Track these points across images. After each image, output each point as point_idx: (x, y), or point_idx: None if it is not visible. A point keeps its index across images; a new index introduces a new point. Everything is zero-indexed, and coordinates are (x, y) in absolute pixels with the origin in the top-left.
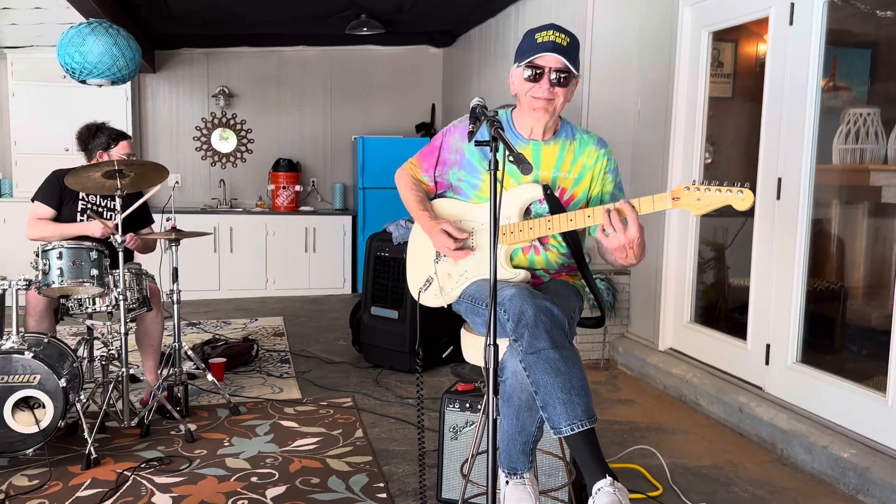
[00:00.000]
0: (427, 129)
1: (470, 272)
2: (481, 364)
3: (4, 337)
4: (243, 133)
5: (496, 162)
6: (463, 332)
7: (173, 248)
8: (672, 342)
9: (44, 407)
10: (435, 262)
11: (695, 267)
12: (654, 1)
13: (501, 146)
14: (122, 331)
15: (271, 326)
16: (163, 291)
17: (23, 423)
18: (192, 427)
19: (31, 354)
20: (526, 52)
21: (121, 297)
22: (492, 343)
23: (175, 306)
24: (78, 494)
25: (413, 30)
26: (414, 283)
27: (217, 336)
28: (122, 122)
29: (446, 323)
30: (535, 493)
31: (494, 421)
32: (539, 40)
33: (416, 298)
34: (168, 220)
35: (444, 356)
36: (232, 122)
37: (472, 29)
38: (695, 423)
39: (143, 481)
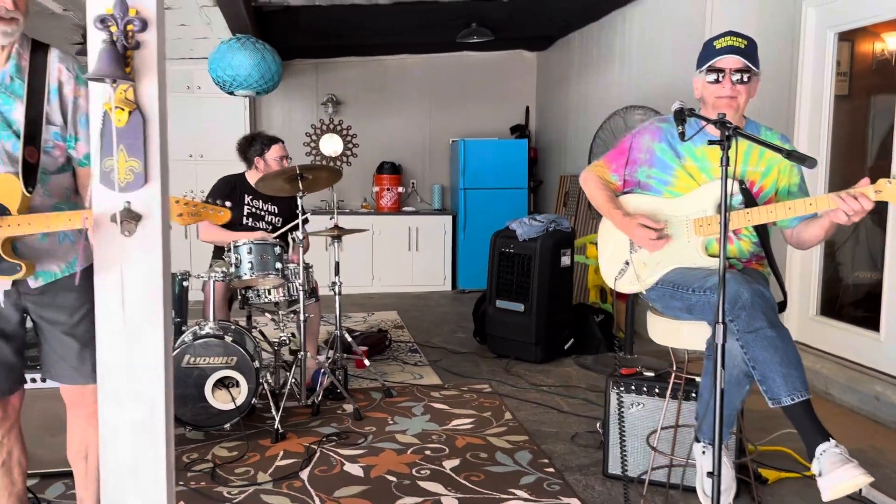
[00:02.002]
0: (521, 131)
1: (665, 261)
2: (673, 345)
3: (202, 324)
4: (349, 138)
5: (727, 159)
6: (650, 315)
7: (336, 244)
8: (797, 335)
9: (239, 386)
10: (630, 251)
11: (821, 260)
12: (773, 1)
13: (689, 138)
14: (302, 318)
15: (389, 320)
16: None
17: (221, 401)
18: (353, 407)
19: (231, 338)
20: (706, 58)
21: (301, 288)
22: (721, 321)
23: (337, 297)
24: (277, 463)
25: (517, 35)
26: (608, 273)
27: (346, 328)
28: (241, 129)
29: (566, 316)
30: (731, 462)
31: (722, 391)
32: (718, 46)
33: (611, 286)
34: (307, 221)
35: (565, 347)
36: (339, 127)
37: (573, 33)
38: (828, 412)
39: (330, 453)
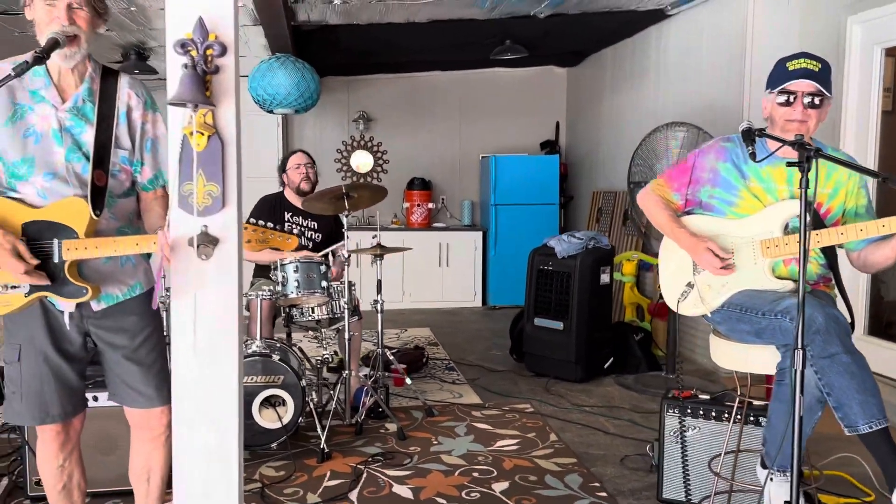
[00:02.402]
0: (552, 147)
1: (731, 284)
2: (739, 369)
3: (248, 342)
4: (379, 154)
5: (807, 181)
6: (713, 339)
7: (378, 262)
8: None
9: (285, 405)
10: (694, 273)
11: (868, 279)
12: (815, 16)
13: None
14: (347, 336)
15: (423, 336)
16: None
17: (267, 420)
18: (396, 427)
19: (278, 357)
20: (778, 80)
21: (347, 306)
22: (800, 347)
23: (379, 315)
24: (325, 484)
25: (549, 52)
26: (670, 294)
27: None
28: (274, 146)
29: (606, 335)
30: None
31: (801, 418)
32: (791, 68)
33: (673, 308)
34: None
35: (605, 366)
36: (369, 144)
37: (605, 49)
38: None
39: (377, 474)
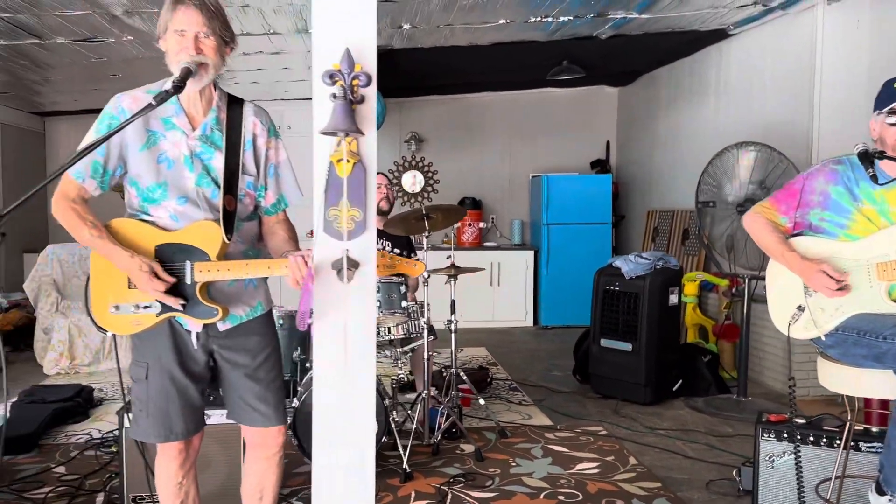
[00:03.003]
0: (602, 166)
1: (845, 307)
2: (851, 393)
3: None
4: (430, 174)
5: None
6: (821, 362)
7: (452, 282)
8: None
9: None
10: (805, 296)
11: None
12: (886, 36)
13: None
14: (426, 356)
15: (480, 356)
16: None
17: None
18: (472, 448)
19: None
20: (888, 100)
21: (426, 326)
22: None
23: (452, 335)
24: None
25: (606, 72)
26: (780, 318)
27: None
28: None
29: (674, 356)
30: None
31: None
32: None
33: (783, 331)
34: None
35: (674, 389)
36: (420, 164)
37: (659, 68)
38: None
39: (462, 495)
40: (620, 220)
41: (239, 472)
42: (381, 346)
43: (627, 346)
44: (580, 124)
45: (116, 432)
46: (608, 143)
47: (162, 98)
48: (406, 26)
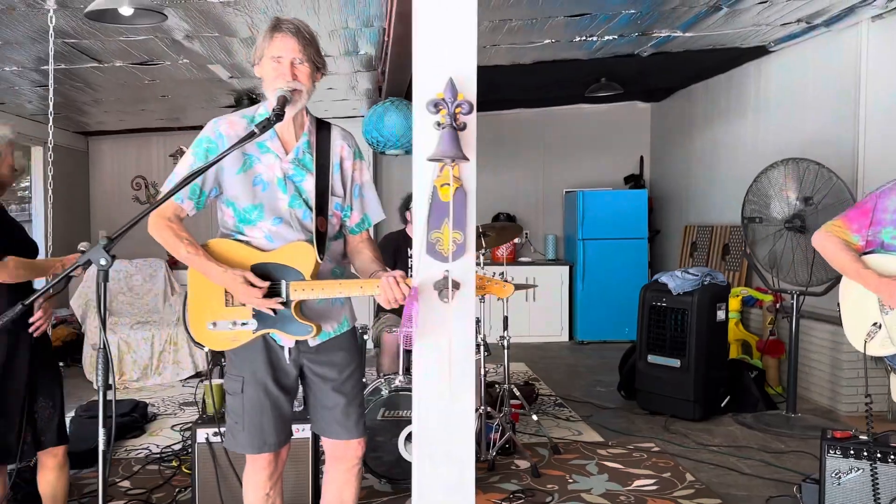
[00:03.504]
0: (636, 181)
1: None
2: None
3: (389, 377)
4: None
5: None
6: (894, 378)
7: (504, 299)
8: None
9: None
10: (881, 313)
11: None
12: None
13: None
14: (482, 372)
15: (520, 371)
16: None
17: (412, 454)
18: (527, 464)
19: None
20: None
21: (483, 342)
22: None
23: (505, 351)
24: None
25: (644, 88)
26: (854, 335)
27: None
28: None
29: (722, 373)
30: None
31: None
32: None
33: (859, 349)
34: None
35: (722, 405)
36: None
37: (695, 84)
38: None
39: None
40: (655, 235)
41: (307, 487)
42: None
43: (675, 363)
44: (613, 140)
45: (176, 447)
46: (641, 158)
47: (264, 126)
48: None
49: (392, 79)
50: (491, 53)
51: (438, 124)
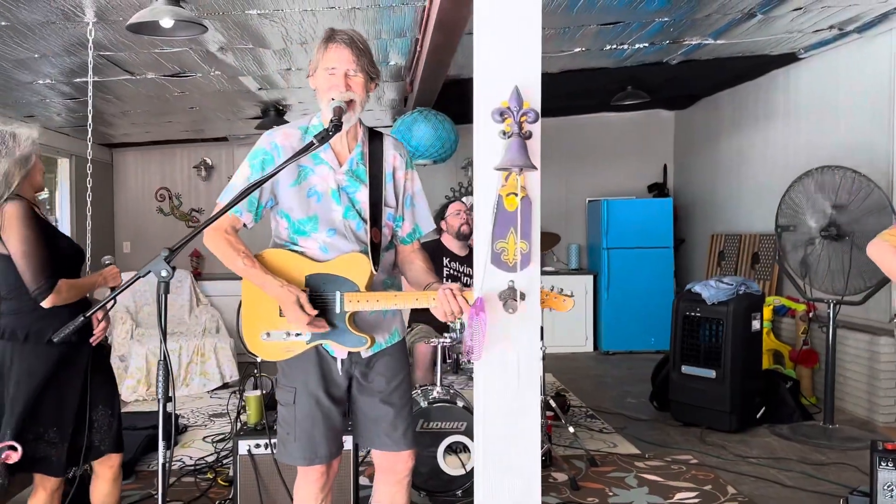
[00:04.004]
0: (660, 190)
1: None
2: None
3: (427, 388)
4: None
5: None
6: None
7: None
8: None
9: (468, 451)
10: None
11: None
12: None
13: None
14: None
15: (548, 382)
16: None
17: (451, 466)
18: (565, 476)
19: (462, 403)
20: None
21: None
22: None
23: (540, 363)
24: None
25: (670, 95)
26: None
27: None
28: None
29: (757, 383)
30: None
31: None
32: None
33: None
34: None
35: (757, 416)
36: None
37: (720, 92)
38: None
39: None
40: (680, 244)
41: (349, 500)
42: (469, 373)
43: (711, 373)
44: (636, 148)
45: (210, 458)
46: (665, 166)
47: (322, 137)
48: None
49: (423, 88)
50: None
51: (504, 133)
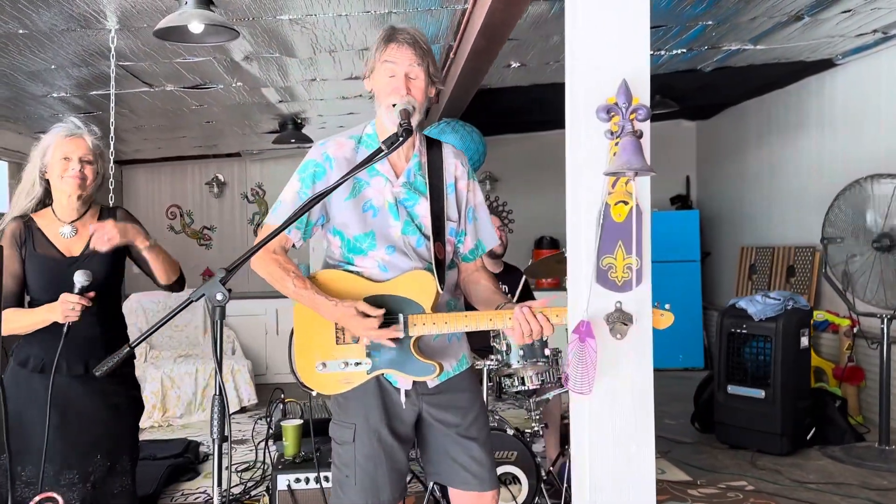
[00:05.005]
0: (683, 201)
1: None
2: None
3: None
4: (504, 214)
5: None
6: None
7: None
8: None
9: (518, 482)
10: None
11: None
12: None
13: None
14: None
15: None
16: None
17: (501, 500)
18: None
19: (512, 432)
20: None
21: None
22: None
23: None
24: None
25: (698, 104)
26: None
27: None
28: None
29: (807, 404)
30: None
31: None
32: None
33: None
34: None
35: (808, 438)
36: (494, 204)
37: (748, 101)
38: None
39: None
40: (706, 257)
41: None
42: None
43: (759, 393)
44: (657, 159)
45: (236, 489)
46: (688, 177)
47: (392, 143)
48: (515, 65)
49: (453, 97)
50: (550, 71)
51: (611, 133)
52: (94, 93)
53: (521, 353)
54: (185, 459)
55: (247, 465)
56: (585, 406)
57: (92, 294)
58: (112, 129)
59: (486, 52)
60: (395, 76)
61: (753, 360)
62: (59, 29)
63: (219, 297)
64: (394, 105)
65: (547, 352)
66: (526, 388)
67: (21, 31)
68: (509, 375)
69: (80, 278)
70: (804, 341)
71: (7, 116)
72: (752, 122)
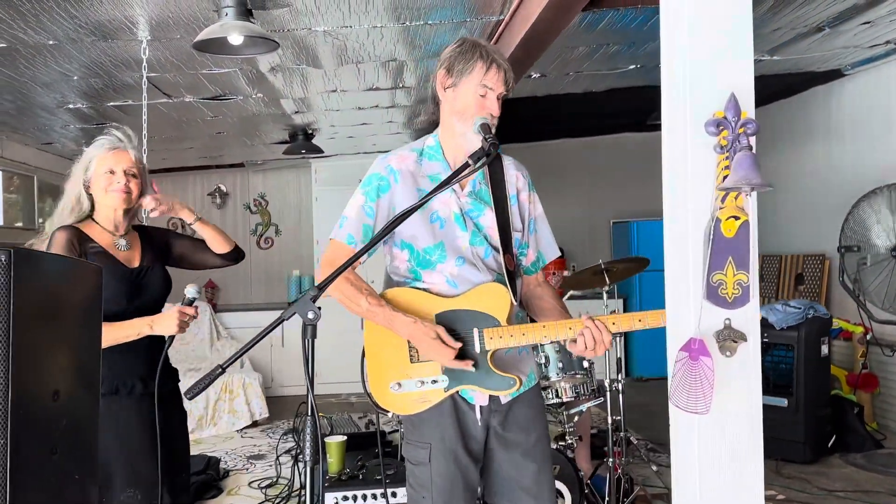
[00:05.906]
0: None
1: None
2: None
3: None
4: None
5: None
6: None
7: (618, 337)
8: None
9: (562, 497)
10: None
11: None
12: None
13: None
14: (610, 420)
15: (594, 412)
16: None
17: None
18: None
19: (555, 445)
20: None
21: (617, 384)
22: None
23: (620, 396)
24: None
25: None
26: None
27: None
28: None
29: (827, 411)
30: None
31: None
32: None
33: None
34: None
35: (829, 445)
36: None
37: (756, 109)
38: None
39: None
40: None
41: None
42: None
43: (782, 402)
44: (658, 169)
45: None
46: None
47: (481, 157)
48: (535, 75)
49: None
50: (568, 82)
51: (720, 147)
52: (110, 104)
53: (560, 365)
54: (206, 476)
55: (269, 481)
56: (695, 425)
57: (198, 307)
58: (145, 141)
59: (522, 64)
60: (487, 97)
61: (775, 369)
62: (88, 40)
63: (310, 315)
64: (478, 118)
65: (585, 364)
66: (560, 400)
67: (51, 42)
68: (545, 388)
69: (191, 291)
70: (824, 349)
71: (15, 127)
72: (761, 130)
